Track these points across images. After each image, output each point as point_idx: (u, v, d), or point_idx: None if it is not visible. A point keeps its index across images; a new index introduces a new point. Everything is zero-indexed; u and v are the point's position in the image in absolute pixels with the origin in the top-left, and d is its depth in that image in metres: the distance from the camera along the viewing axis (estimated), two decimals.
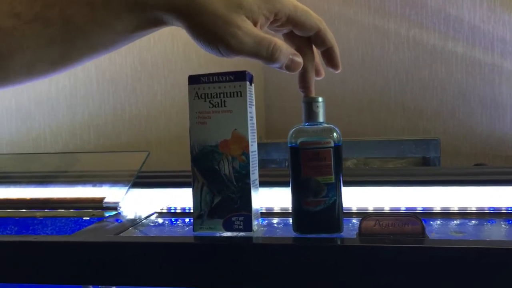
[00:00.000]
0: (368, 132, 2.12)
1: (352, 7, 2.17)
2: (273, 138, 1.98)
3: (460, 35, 2.03)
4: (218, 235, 0.52)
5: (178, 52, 1.76)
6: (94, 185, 0.79)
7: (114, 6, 0.39)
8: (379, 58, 2.14)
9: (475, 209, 0.65)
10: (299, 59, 0.46)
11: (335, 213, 0.51)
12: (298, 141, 0.51)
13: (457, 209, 0.66)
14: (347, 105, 2.16)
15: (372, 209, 0.67)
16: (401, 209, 0.67)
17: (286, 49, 0.44)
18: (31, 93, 1.24)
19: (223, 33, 0.41)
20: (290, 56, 0.45)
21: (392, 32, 2.12)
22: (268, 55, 0.43)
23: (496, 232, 0.60)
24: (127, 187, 0.74)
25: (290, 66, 0.45)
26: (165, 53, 1.71)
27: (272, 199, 0.69)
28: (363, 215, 0.51)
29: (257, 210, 0.53)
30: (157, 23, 0.42)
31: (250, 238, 0.51)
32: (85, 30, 0.39)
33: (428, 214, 0.65)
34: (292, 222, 0.53)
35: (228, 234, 0.52)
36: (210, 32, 0.41)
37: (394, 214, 0.52)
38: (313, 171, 0.50)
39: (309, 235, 0.51)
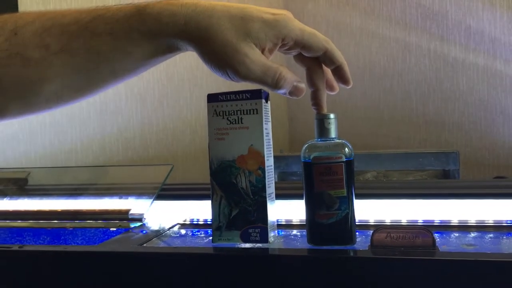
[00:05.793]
0: (390, 144, 2.11)
1: (373, 20, 2.18)
2: (297, 150, 1.99)
3: (481, 47, 2.01)
4: (235, 246, 0.55)
5: (203, 67, 1.79)
6: (121, 197, 0.83)
7: (134, 35, 0.43)
8: (401, 70, 2.14)
9: (492, 222, 0.65)
10: (302, 85, 0.49)
11: (347, 225, 0.53)
12: (311, 156, 0.53)
13: (473, 222, 0.66)
14: (369, 117, 2.16)
15: (389, 221, 0.68)
16: (418, 221, 0.67)
17: (290, 78, 0.47)
18: (64, 108, 1.29)
19: (232, 60, 0.44)
20: (294, 83, 0.47)
21: (413, 44, 2.12)
22: (273, 83, 0.46)
23: (511, 246, 0.60)
24: (151, 199, 0.78)
25: (293, 93, 0.48)
26: (191, 68, 1.75)
27: (290, 211, 0.71)
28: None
29: (273, 222, 0.55)
30: (173, 49, 0.45)
31: (266, 249, 0.53)
32: (108, 58, 0.43)
33: (444, 227, 0.65)
34: (306, 234, 0.55)
35: (246, 245, 0.54)
36: (220, 59, 0.44)
37: (405, 227, 0.53)
38: (326, 185, 0.52)
39: (322, 247, 0.53)
